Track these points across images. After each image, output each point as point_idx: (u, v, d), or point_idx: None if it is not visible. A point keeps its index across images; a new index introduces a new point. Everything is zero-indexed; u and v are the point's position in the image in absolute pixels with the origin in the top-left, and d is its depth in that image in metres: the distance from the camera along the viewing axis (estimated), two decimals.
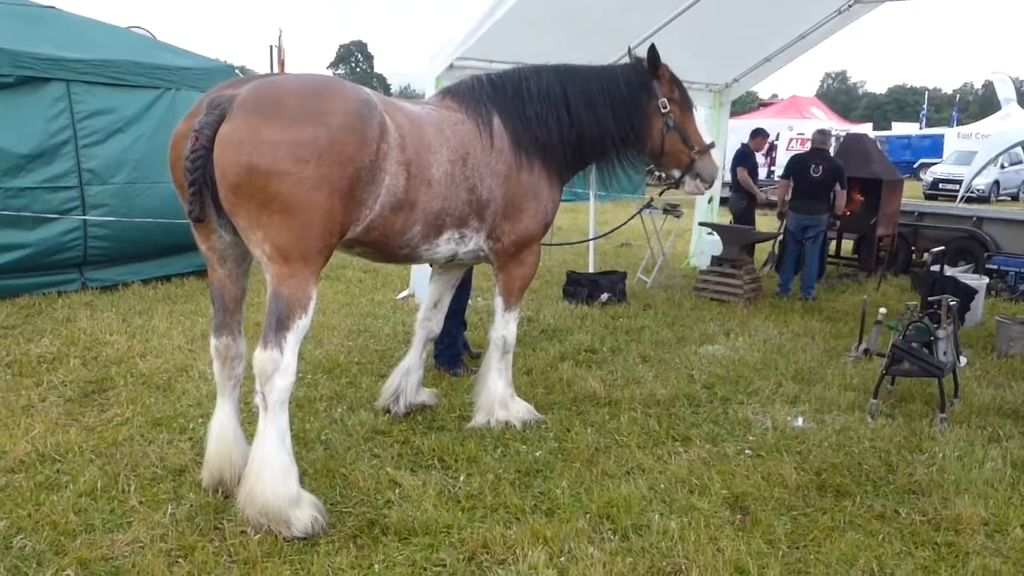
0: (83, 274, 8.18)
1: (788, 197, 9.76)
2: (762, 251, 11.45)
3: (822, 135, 9.95)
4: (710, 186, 5.31)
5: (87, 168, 8.02)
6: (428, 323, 5.29)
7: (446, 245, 4.49)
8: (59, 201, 7.84)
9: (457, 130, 4.39)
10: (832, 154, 10.53)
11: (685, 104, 5.07)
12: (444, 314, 5.36)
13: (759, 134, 11.59)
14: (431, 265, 5.14)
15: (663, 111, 4.95)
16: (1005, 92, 28.44)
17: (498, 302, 5.06)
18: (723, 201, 12.42)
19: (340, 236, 3.82)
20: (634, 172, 5.09)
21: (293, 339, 3.65)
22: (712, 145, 5.15)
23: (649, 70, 4.94)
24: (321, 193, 3.56)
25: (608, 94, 4.84)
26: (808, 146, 10.83)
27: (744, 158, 11.05)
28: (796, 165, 9.64)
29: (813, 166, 9.39)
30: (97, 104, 8.13)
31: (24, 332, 6.65)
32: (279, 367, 3.62)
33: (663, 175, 5.29)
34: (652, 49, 4.94)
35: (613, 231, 8.83)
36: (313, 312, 3.74)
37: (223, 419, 4.02)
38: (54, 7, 8.89)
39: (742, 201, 10.96)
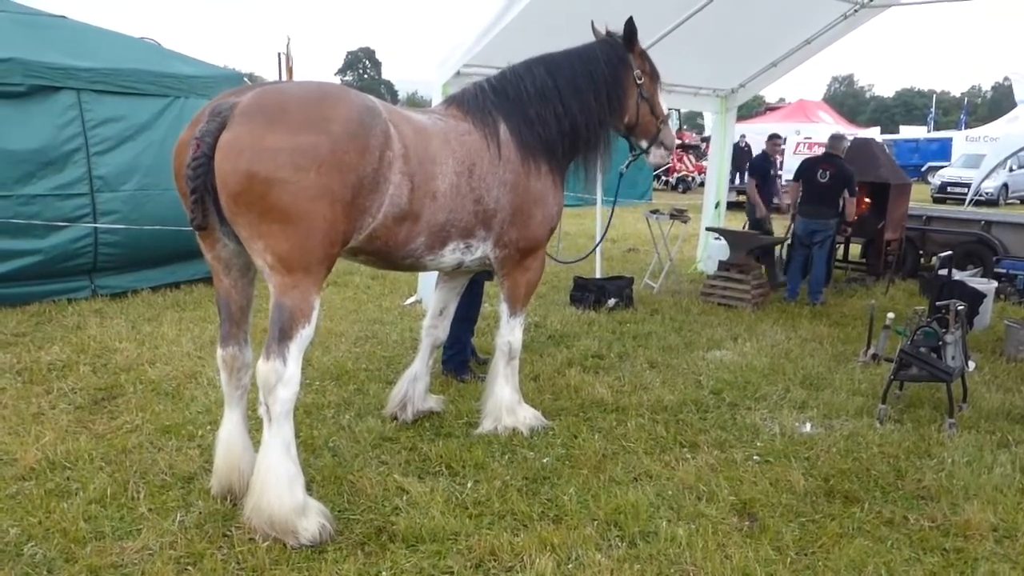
0: (93, 281, 8.23)
1: (798, 201, 9.74)
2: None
3: (835, 140, 9.90)
4: (671, 154, 5.46)
5: (97, 175, 8.08)
6: (434, 330, 5.29)
7: (451, 255, 4.48)
8: (70, 208, 7.90)
9: (464, 140, 4.37)
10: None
11: (654, 75, 5.20)
12: (450, 321, 5.37)
13: (772, 138, 11.41)
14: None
15: (638, 83, 5.06)
16: (1021, 93, 28.23)
17: (503, 308, 5.07)
18: (732, 206, 12.39)
19: (343, 245, 3.81)
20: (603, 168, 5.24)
21: (296, 349, 3.64)
22: (670, 114, 5.25)
23: (625, 45, 5.02)
24: (322, 202, 3.53)
25: (591, 76, 4.90)
26: (816, 150, 10.82)
27: (755, 168, 10.88)
28: (805, 169, 9.63)
29: (821, 171, 9.37)
30: (107, 112, 8.18)
31: (34, 339, 6.69)
32: (282, 378, 3.61)
33: (633, 146, 5.38)
34: (629, 22, 4.99)
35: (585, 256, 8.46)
36: (316, 321, 3.73)
37: (231, 428, 4.03)
38: (64, 16, 8.96)
39: (756, 212, 10.72)
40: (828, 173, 9.32)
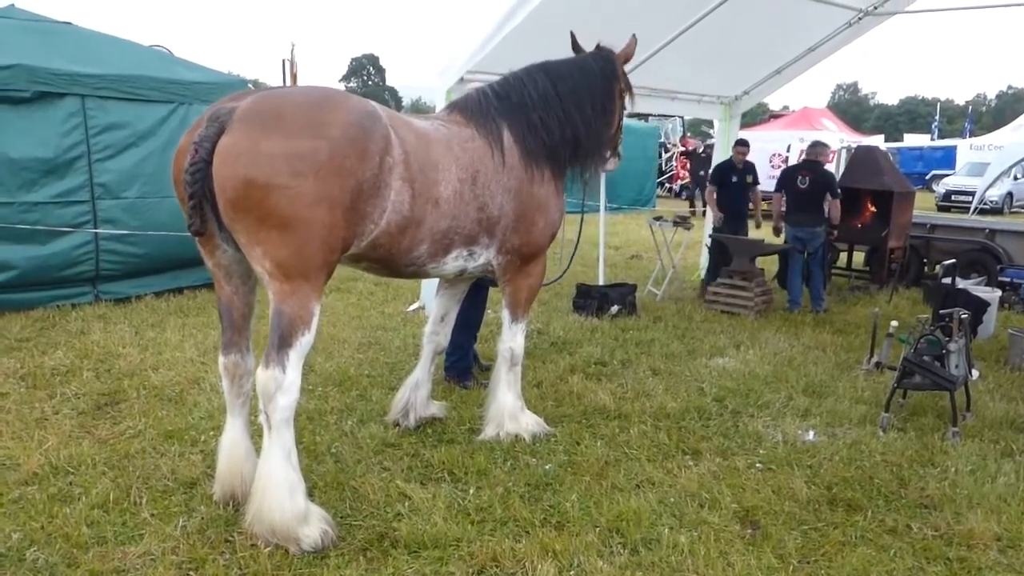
0: (96, 287, 8.25)
1: (783, 210, 9.75)
2: (772, 263, 11.39)
3: (815, 147, 9.94)
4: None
5: (99, 183, 8.12)
6: (436, 337, 5.29)
7: (454, 262, 4.48)
8: (70, 216, 7.95)
9: (467, 147, 4.37)
10: (844, 166, 10.48)
11: (630, 88, 5.33)
12: (451, 327, 5.37)
13: (736, 144, 10.68)
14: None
15: (622, 95, 5.19)
16: None
17: (505, 314, 5.08)
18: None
19: (343, 251, 3.78)
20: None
21: (296, 357, 3.63)
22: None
23: (620, 59, 5.12)
24: (321, 208, 3.51)
25: (589, 86, 4.96)
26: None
27: (713, 175, 10.51)
28: (786, 178, 9.70)
29: (800, 177, 9.44)
30: (111, 119, 8.22)
31: (38, 345, 6.71)
32: (281, 385, 3.60)
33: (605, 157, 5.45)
34: (633, 40, 5.10)
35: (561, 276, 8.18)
36: (316, 328, 3.72)
37: (233, 436, 4.03)
38: (70, 23, 9.00)
39: (718, 222, 10.36)
40: (808, 179, 9.38)
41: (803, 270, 9.64)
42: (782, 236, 9.94)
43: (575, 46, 5.20)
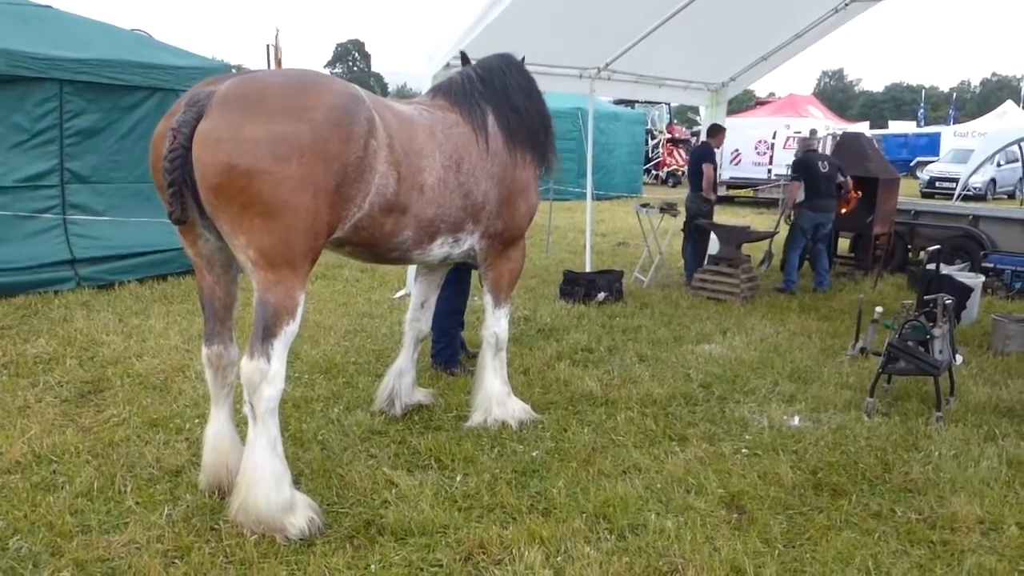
0: (76, 271, 8.16)
1: (798, 199, 9.83)
2: (758, 250, 11.43)
3: (806, 140, 10.45)
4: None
5: (69, 168, 8.06)
6: (416, 323, 5.27)
7: (439, 249, 4.47)
8: (40, 200, 7.87)
9: (451, 134, 4.34)
10: (830, 153, 10.75)
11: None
12: (431, 313, 5.36)
13: (719, 130, 10.53)
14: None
15: None
16: None
17: (488, 300, 5.08)
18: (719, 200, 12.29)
19: (327, 237, 3.73)
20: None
21: (281, 347, 3.58)
22: None
23: None
24: (305, 193, 3.44)
25: (530, 80, 5.05)
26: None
27: (707, 155, 10.17)
28: (806, 167, 9.74)
29: (820, 163, 9.71)
30: (87, 103, 8.14)
31: (20, 332, 6.64)
32: (266, 376, 3.55)
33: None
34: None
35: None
36: (301, 317, 3.68)
37: (218, 427, 3.99)
38: (50, 6, 8.88)
39: (704, 205, 9.93)
40: (827, 163, 9.73)
41: (803, 258, 9.81)
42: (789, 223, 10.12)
43: (464, 60, 5.22)
